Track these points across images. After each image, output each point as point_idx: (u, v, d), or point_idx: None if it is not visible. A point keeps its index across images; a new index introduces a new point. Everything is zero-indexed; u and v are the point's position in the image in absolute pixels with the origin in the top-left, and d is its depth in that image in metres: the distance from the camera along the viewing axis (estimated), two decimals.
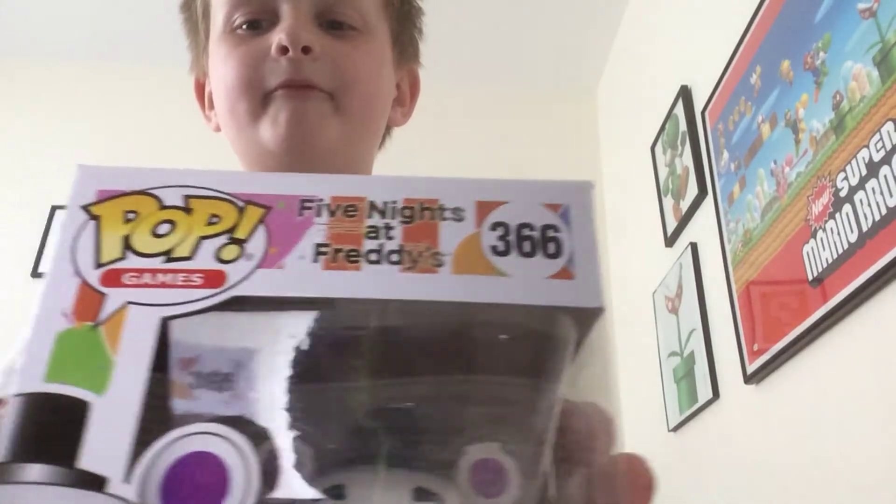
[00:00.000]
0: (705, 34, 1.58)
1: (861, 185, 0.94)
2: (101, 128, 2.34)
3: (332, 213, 0.19)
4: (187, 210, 0.19)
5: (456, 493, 0.19)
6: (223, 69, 0.55)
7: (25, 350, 0.18)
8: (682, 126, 1.63)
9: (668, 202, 1.72)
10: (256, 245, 0.19)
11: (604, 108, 2.42)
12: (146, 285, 0.18)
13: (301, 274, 0.18)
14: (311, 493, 0.18)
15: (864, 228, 0.93)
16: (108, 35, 2.32)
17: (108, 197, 0.20)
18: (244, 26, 0.55)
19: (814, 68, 1.09)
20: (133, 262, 0.18)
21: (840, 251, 0.98)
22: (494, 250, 0.19)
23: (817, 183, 1.05)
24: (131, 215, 0.19)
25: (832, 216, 1.01)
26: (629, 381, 1.99)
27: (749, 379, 1.24)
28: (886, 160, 0.89)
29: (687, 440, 1.56)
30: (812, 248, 1.06)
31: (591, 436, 0.20)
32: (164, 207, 0.19)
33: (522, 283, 0.19)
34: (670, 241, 1.69)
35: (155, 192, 0.19)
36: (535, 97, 2.42)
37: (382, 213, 0.19)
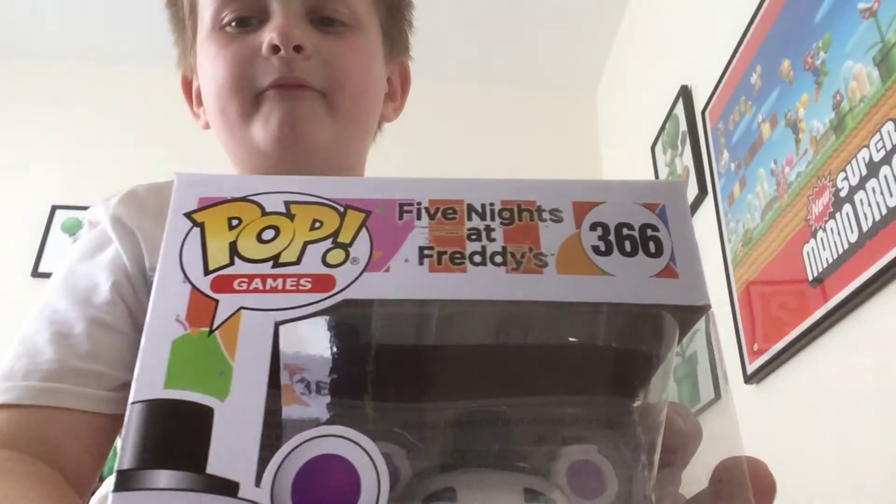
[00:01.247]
0: (705, 34, 1.58)
1: (861, 184, 0.94)
2: (101, 128, 2.34)
3: (432, 216, 0.19)
4: (290, 216, 0.19)
5: (560, 493, 0.19)
6: (213, 68, 0.55)
7: (140, 357, 0.17)
8: (683, 126, 1.63)
9: None
10: (361, 249, 0.19)
11: (604, 108, 2.42)
12: (257, 290, 0.18)
13: (408, 277, 0.18)
14: (425, 495, 0.18)
15: (865, 228, 0.93)
16: (108, 35, 2.32)
17: (210, 204, 0.20)
18: (233, 24, 0.54)
19: (814, 68, 1.09)
20: (241, 267, 0.19)
21: (840, 251, 0.98)
22: (596, 250, 0.19)
23: (817, 183, 1.05)
24: (235, 222, 0.19)
25: (832, 216, 1.01)
26: None
27: (749, 379, 1.23)
28: (886, 160, 0.89)
29: None
30: (812, 248, 1.06)
31: (684, 437, 0.20)
32: (266, 213, 0.19)
33: (628, 283, 0.19)
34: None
35: (256, 198, 0.19)
36: (535, 97, 2.42)
37: (482, 216, 0.19)
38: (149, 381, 0.17)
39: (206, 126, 0.60)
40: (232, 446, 0.16)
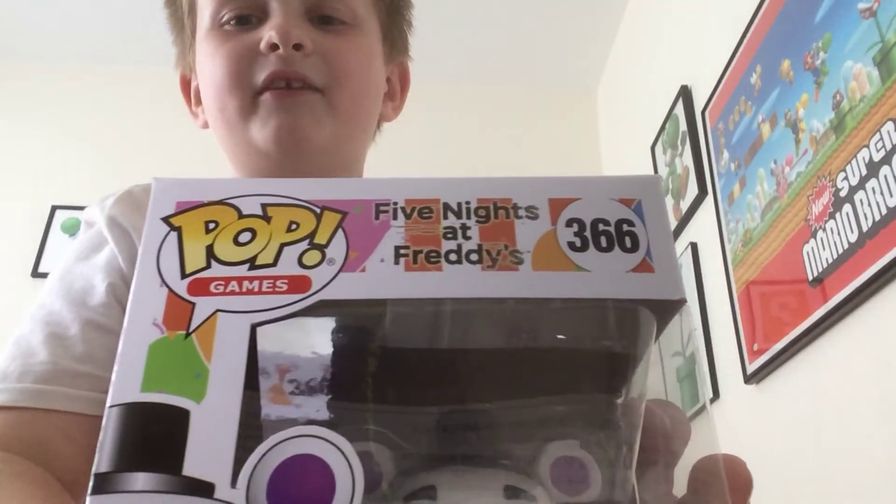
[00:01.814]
0: (705, 34, 1.58)
1: (861, 184, 0.94)
2: (101, 128, 2.34)
3: (408, 216, 0.19)
4: (266, 218, 0.19)
5: (542, 489, 0.19)
6: (212, 66, 0.54)
7: (117, 361, 0.18)
8: (683, 126, 1.63)
9: (669, 202, 1.72)
10: (337, 250, 0.19)
11: (604, 108, 2.42)
12: (233, 293, 0.18)
13: (384, 276, 0.18)
14: (405, 494, 0.18)
15: (864, 228, 0.93)
16: (109, 36, 2.32)
17: (187, 208, 0.20)
18: (233, 22, 0.54)
19: (814, 68, 1.09)
20: (218, 270, 0.19)
21: (840, 251, 0.98)
22: (572, 246, 0.19)
23: (817, 183, 1.05)
24: (212, 225, 0.19)
25: (832, 216, 1.01)
26: None
27: (749, 379, 1.24)
28: (886, 160, 0.89)
29: None
30: (812, 248, 1.06)
31: (669, 434, 0.20)
32: (242, 216, 0.19)
33: (604, 278, 0.19)
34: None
35: (233, 201, 0.20)
36: (535, 97, 2.42)
37: (458, 214, 0.20)
38: (126, 384, 0.17)
39: (205, 125, 0.60)
40: (208, 448, 0.16)
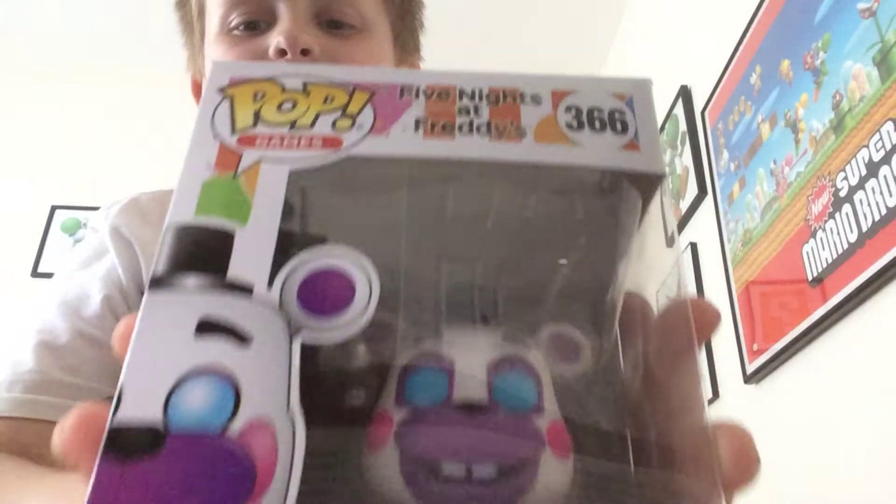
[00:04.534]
0: (705, 34, 1.58)
1: (861, 184, 0.94)
2: (101, 128, 2.34)
3: (428, 97, 0.23)
4: (306, 93, 0.23)
5: (535, 350, 0.21)
6: None
7: (175, 194, 0.21)
8: (682, 126, 1.63)
9: (668, 202, 1.72)
10: (366, 119, 0.22)
11: None
12: (275, 147, 0.22)
13: (405, 140, 0.22)
14: (417, 339, 0.21)
15: (864, 228, 0.93)
16: (109, 36, 2.32)
17: (239, 82, 0.23)
18: (241, 27, 0.54)
19: (814, 68, 1.09)
20: (263, 129, 0.22)
21: (840, 251, 0.98)
22: (569, 126, 0.22)
23: (817, 183, 1.05)
24: (259, 95, 0.23)
25: (832, 216, 1.01)
26: None
27: (749, 379, 1.24)
28: (886, 160, 0.89)
29: None
30: (812, 248, 1.06)
31: (647, 315, 0.22)
32: (286, 91, 0.23)
33: (595, 151, 0.22)
34: (670, 240, 1.69)
35: (278, 79, 0.23)
36: None
37: (471, 97, 0.23)
38: (182, 210, 0.20)
39: None
40: (249, 260, 0.19)
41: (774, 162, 1.20)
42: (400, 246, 0.23)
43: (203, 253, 0.19)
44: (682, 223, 1.62)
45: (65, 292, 0.53)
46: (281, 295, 0.19)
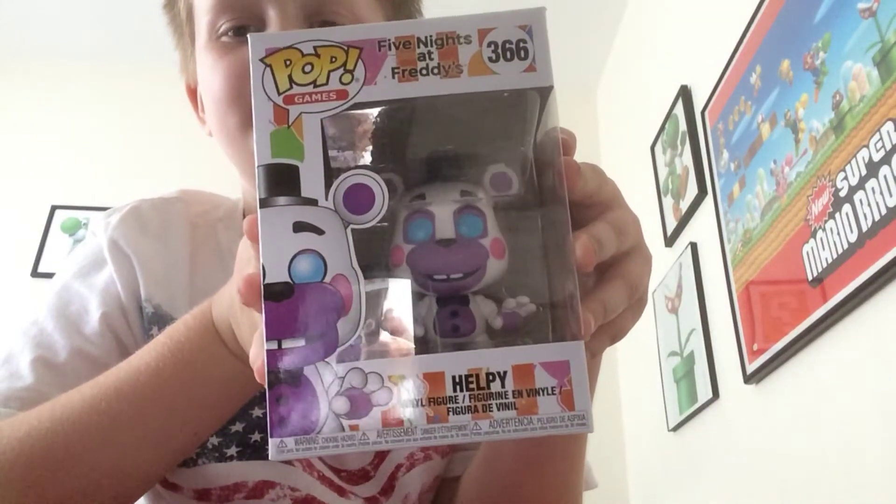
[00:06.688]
0: (705, 34, 1.58)
1: (861, 184, 0.94)
2: (100, 128, 2.34)
3: (397, 48, 0.32)
4: (317, 55, 0.32)
5: (483, 192, 0.34)
6: (210, 80, 0.54)
7: (255, 143, 0.31)
8: (682, 126, 1.63)
9: (668, 202, 1.72)
10: (360, 72, 0.32)
11: (604, 108, 2.42)
12: (307, 102, 0.32)
13: (388, 87, 0.32)
14: (409, 198, 0.34)
15: (864, 228, 0.93)
16: (108, 35, 2.32)
17: (271, 52, 0.32)
18: (230, 33, 0.53)
19: (814, 68, 1.09)
20: (297, 89, 0.32)
21: (840, 251, 0.98)
22: (490, 59, 0.32)
23: (817, 183, 1.05)
24: (287, 62, 0.32)
25: (832, 216, 1.01)
26: (629, 381, 1.99)
27: (749, 379, 1.24)
28: (886, 160, 0.89)
29: (687, 440, 1.56)
30: (812, 248, 1.06)
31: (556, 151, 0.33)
32: (304, 55, 0.32)
33: (508, 77, 0.32)
34: (670, 240, 1.69)
35: (298, 46, 0.32)
36: None
37: (426, 44, 0.32)
38: (263, 153, 0.31)
39: (211, 133, 0.60)
40: (310, 183, 0.31)
41: (774, 162, 1.20)
42: (400, 143, 0.35)
43: (284, 181, 0.31)
44: (682, 223, 1.62)
45: (65, 304, 0.53)
46: (333, 202, 0.31)
